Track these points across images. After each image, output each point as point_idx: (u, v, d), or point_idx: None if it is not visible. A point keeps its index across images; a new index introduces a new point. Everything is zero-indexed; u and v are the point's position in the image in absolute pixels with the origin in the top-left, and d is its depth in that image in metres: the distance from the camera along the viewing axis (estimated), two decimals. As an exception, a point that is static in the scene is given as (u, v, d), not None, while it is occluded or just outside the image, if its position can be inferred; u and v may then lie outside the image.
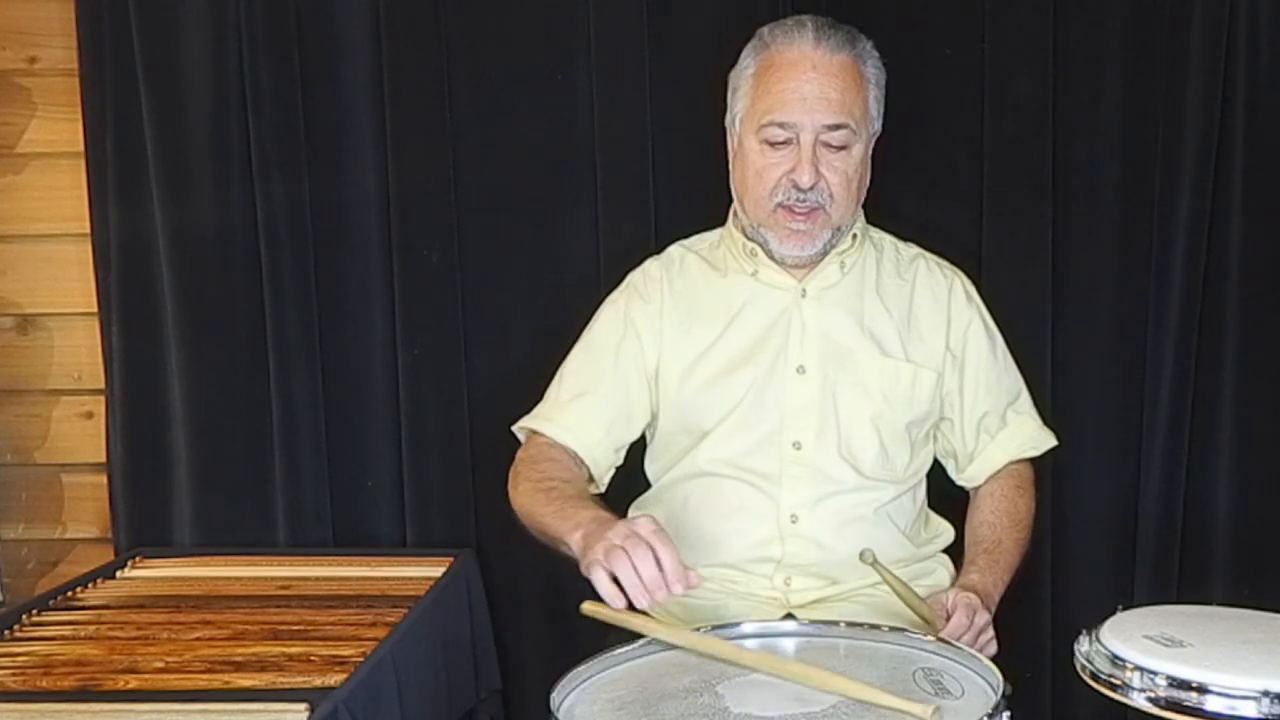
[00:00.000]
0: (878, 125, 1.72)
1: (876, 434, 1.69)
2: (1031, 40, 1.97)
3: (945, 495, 1.83)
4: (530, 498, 1.63)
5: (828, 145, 1.63)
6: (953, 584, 1.74)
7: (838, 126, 1.63)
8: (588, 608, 1.40)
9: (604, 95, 2.04)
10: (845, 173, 1.65)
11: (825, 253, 1.70)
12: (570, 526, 1.49)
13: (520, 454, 1.75)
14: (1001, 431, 1.78)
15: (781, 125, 1.63)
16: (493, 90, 2.07)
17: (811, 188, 1.63)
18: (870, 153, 1.72)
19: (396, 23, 2.03)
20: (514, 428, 1.81)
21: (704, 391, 1.71)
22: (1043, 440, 1.81)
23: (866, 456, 1.69)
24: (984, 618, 1.54)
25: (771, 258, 1.71)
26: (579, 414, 1.74)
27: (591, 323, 1.81)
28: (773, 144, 1.64)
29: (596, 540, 1.40)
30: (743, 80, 1.70)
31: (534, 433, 1.77)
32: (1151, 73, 1.97)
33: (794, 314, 1.71)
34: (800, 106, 1.62)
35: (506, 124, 2.07)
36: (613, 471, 1.77)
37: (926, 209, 2.01)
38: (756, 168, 1.67)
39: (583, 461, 1.73)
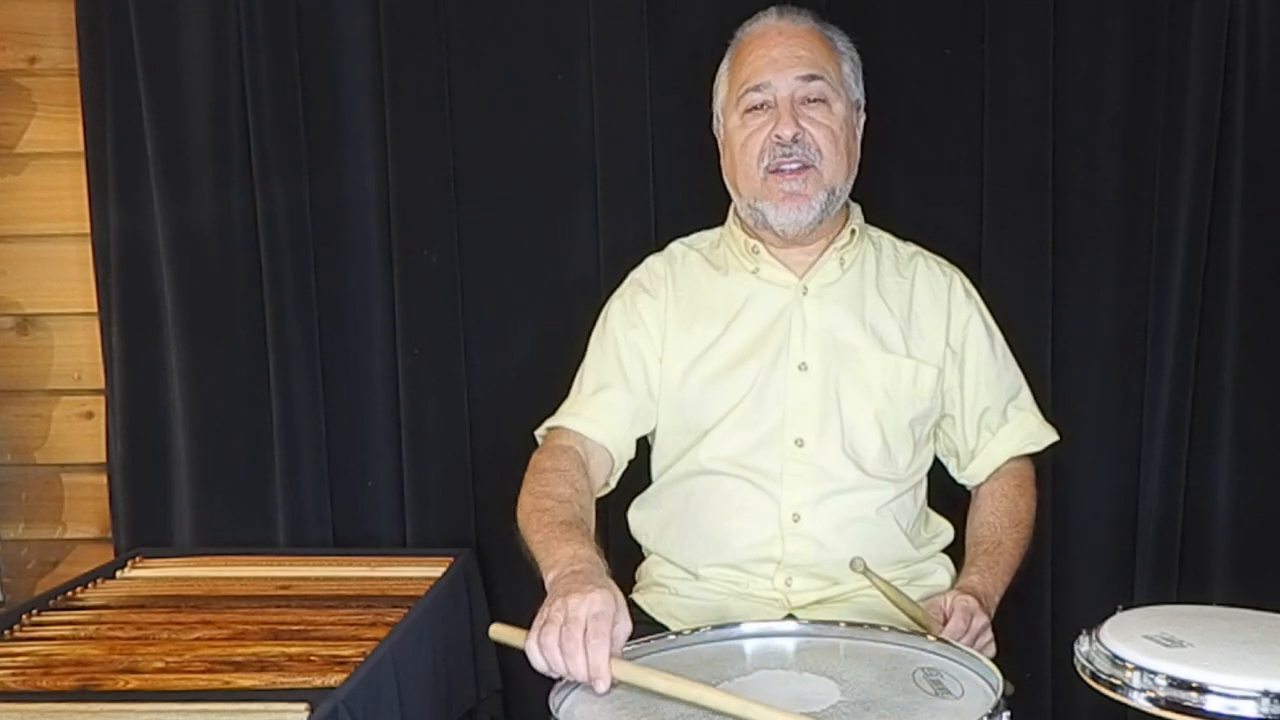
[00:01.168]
0: (858, 96, 1.73)
1: (879, 431, 1.69)
2: (1031, 40, 1.97)
3: (946, 495, 1.83)
4: (525, 517, 1.55)
5: (806, 101, 1.66)
6: (953, 584, 1.74)
7: (812, 77, 1.65)
8: (496, 632, 1.33)
9: (604, 95, 2.04)
10: (830, 128, 1.66)
11: (822, 221, 1.69)
12: (548, 564, 1.41)
13: (534, 455, 1.69)
14: (1003, 428, 1.77)
15: (757, 89, 1.67)
16: (493, 90, 2.07)
17: (795, 140, 1.64)
18: (858, 129, 1.73)
19: (396, 22, 2.03)
20: (536, 432, 1.77)
21: (705, 389, 1.71)
22: (1044, 436, 1.81)
23: (869, 453, 1.68)
24: (981, 620, 1.54)
25: (772, 233, 1.70)
26: (603, 406, 1.72)
27: (600, 320, 1.81)
28: (752, 111, 1.67)
29: (550, 601, 1.31)
30: (721, 75, 1.75)
31: (555, 429, 1.73)
32: (1151, 73, 1.97)
33: (795, 311, 1.71)
34: (771, 67, 1.66)
35: (506, 124, 2.07)
36: (625, 467, 1.76)
37: (926, 209, 2.01)
38: (741, 140, 1.69)
39: (610, 455, 1.71)
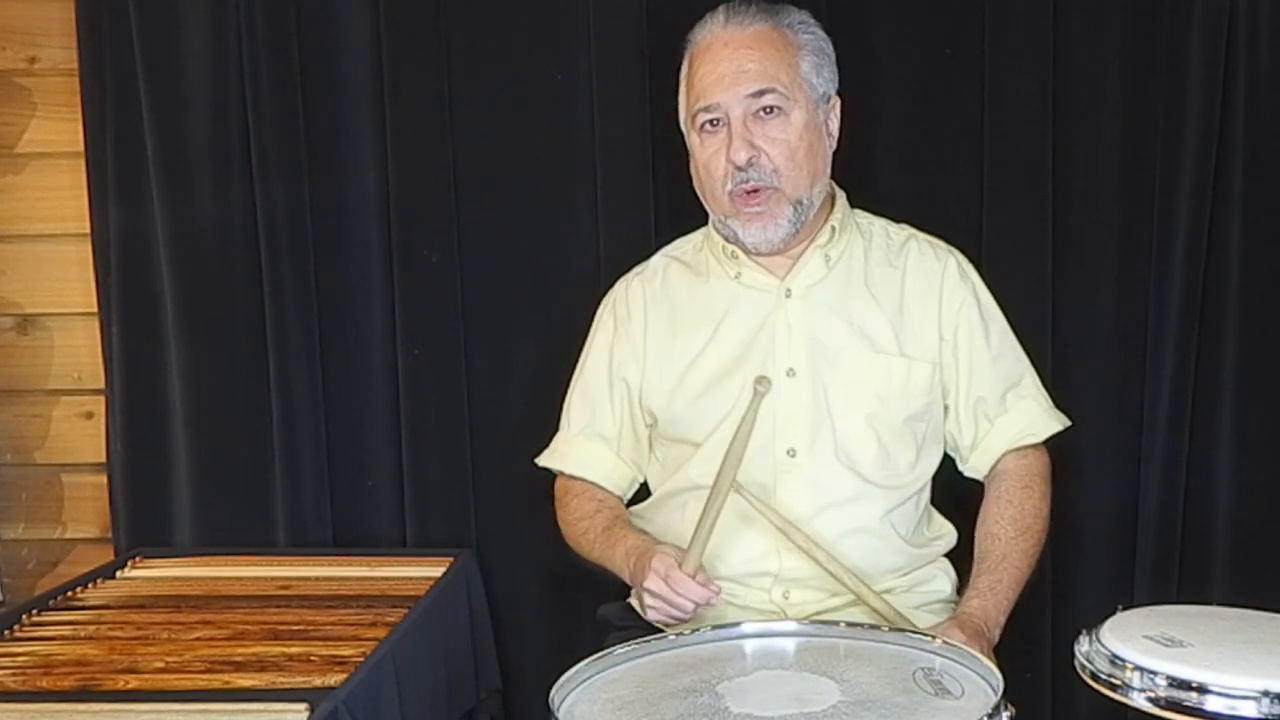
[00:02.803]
0: (824, 89, 1.66)
1: (874, 434, 1.65)
2: (1031, 40, 1.97)
3: (952, 494, 1.80)
4: (574, 543, 1.77)
5: (761, 116, 1.61)
6: (955, 592, 1.73)
7: (761, 93, 1.60)
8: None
9: (604, 95, 2.04)
10: (787, 142, 1.61)
11: (796, 231, 1.65)
12: (617, 569, 1.67)
13: (555, 488, 1.84)
14: (1001, 417, 1.71)
15: (707, 109, 1.62)
16: (493, 90, 2.07)
17: (749, 164, 1.60)
18: (829, 121, 1.68)
19: (396, 23, 2.03)
20: (537, 460, 1.85)
21: (694, 403, 1.69)
22: (1045, 425, 1.74)
23: (866, 459, 1.64)
24: None
25: (749, 253, 1.68)
26: (587, 446, 1.78)
27: (584, 351, 1.82)
28: (708, 130, 1.64)
29: (636, 594, 1.61)
30: (681, 84, 1.70)
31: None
32: (1151, 73, 1.97)
33: (779, 316, 1.68)
34: (718, 85, 1.61)
35: (506, 124, 2.07)
36: (636, 486, 1.81)
37: (926, 208, 2.01)
38: (702, 160, 1.66)
39: (608, 488, 1.78)
